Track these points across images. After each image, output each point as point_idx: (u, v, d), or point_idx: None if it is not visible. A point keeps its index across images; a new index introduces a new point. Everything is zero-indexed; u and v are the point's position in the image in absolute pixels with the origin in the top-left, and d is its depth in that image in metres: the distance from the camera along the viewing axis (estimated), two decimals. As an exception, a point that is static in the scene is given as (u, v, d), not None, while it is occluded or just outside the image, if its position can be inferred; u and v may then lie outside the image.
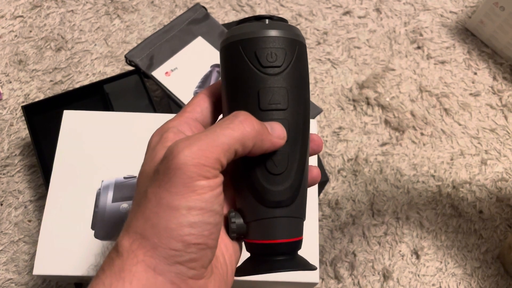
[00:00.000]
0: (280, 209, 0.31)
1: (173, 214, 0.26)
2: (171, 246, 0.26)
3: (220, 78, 0.33)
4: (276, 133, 0.30)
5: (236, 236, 0.32)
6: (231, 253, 0.32)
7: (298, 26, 0.83)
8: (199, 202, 0.27)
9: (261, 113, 0.30)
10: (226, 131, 0.28)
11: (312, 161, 0.53)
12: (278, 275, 0.48)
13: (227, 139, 0.28)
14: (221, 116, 0.34)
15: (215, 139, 0.27)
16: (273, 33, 0.31)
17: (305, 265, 0.32)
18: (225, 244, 0.32)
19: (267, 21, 0.32)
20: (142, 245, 0.27)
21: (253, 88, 0.31)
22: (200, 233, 0.27)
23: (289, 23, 0.33)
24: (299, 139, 0.32)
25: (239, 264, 0.33)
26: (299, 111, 0.31)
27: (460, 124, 0.75)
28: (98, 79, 0.76)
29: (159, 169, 0.28)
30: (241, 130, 0.28)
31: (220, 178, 0.28)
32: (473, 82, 0.79)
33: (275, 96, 0.30)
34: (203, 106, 0.33)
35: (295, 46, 0.31)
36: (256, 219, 0.31)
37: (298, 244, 0.32)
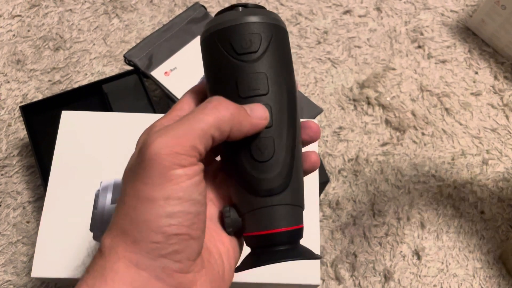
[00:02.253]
0: (273, 197, 0.30)
1: (150, 206, 0.26)
2: (152, 238, 0.26)
3: None
4: (255, 113, 0.29)
5: (233, 230, 0.31)
6: (228, 249, 0.31)
7: (298, 25, 0.82)
8: (176, 191, 0.26)
9: (242, 101, 0.30)
10: (200, 116, 0.27)
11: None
12: (279, 277, 0.47)
13: (201, 124, 0.27)
14: None
15: (189, 127, 0.27)
16: (247, 19, 0.30)
17: (309, 254, 0.31)
18: (221, 239, 0.31)
19: (240, 8, 0.31)
20: (123, 241, 0.26)
21: (231, 77, 0.30)
22: (180, 223, 0.26)
23: (266, 9, 0.32)
24: (285, 123, 0.31)
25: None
26: (281, 95, 0.31)
27: (461, 124, 0.75)
28: (96, 79, 0.76)
29: (135, 163, 0.27)
30: (215, 114, 0.27)
31: (199, 166, 0.27)
32: (474, 82, 0.79)
33: (253, 82, 0.30)
34: (191, 103, 0.33)
35: (271, 30, 0.31)
36: (250, 210, 0.30)
37: (298, 233, 0.31)
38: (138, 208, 0.26)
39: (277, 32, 0.31)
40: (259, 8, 0.32)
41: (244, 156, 0.30)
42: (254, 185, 0.30)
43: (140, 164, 0.26)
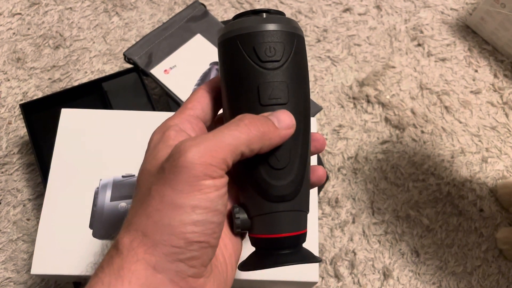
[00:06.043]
0: (284, 203, 0.31)
1: (176, 212, 0.26)
2: (173, 243, 0.26)
3: (219, 73, 0.33)
4: (283, 124, 0.30)
5: (241, 231, 0.32)
6: (230, 252, 0.32)
7: (297, 24, 0.83)
8: (204, 201, 0.27)
9: (262, 108, 0.30)
10: (233, 132, 0.28)
11: (312, 160, 0.52)
12: (278, 274, 0.48)
13: (234, 140, 0.28)
14: (221, 110, 0.34)
15: (222, 140, 0.28)
16: (271, 27, 0.31)
17: (310, 258, 0.32)
18: (224, 243, 0.31)
19: (264, 15, 0.31)
20: (143, 243, 0.27)
21: (253, 84, 0.31)
22: (203, 231, 0.27)
23: (286, 16, 0.32)
24: (301, 133, 0.31)
25: (243, 259, 0.33)
26: (299, 105, 0.31)
27: (460, 122, 0.75)
28: (96, 77, 0.76)
29: (165, 167, 0.27)
30: (247, 133, 0.28)
31: (225, 179, 0.28)
32: (473, 80, 0.79)
33: (275, 91, 0.30)
34: (204, 103, 0.33)
35: (294, 40, 0.31)
36: (260, 214, 0.31)
37: (302, 237, 0.32)
38: (163, 212, 0.27)
39: (298, 42, 0.32)
40: (281, 15, 0.32)
41: (260, 162, 0.31)
42: (267, 191, 0.31)
43: (170, 169, 0.27)
